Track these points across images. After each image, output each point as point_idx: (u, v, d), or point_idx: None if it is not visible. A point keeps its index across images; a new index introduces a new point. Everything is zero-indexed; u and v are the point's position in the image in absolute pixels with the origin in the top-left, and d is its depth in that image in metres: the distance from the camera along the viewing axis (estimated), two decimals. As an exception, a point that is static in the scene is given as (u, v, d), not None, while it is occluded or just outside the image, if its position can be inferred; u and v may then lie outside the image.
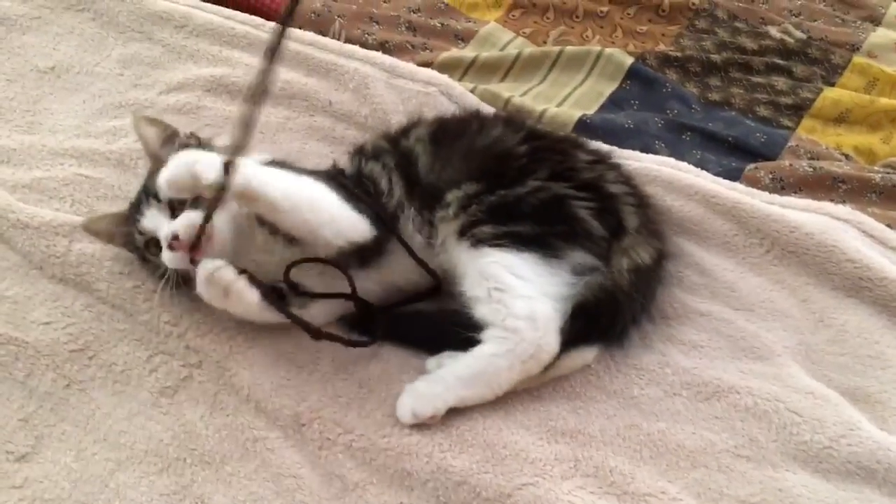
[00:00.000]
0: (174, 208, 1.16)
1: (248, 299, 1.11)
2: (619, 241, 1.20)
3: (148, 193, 1.19)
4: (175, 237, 1.11)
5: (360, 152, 1.34)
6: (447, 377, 1.12)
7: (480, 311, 1.13)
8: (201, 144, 1.26)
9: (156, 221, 1.16)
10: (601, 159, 1.32)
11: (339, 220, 1.14)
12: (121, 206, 1.40)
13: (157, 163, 1.20)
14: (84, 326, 1.23)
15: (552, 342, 1.11)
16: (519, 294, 1.12)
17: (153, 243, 1.18)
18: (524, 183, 1.20)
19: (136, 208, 1.20)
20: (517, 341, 1.09)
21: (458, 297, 1.18)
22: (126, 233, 1.22)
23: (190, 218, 1.12)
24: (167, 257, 1.14)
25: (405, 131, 1.35)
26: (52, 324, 1.23)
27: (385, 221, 1.20)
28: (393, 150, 1.31)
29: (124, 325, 1.24)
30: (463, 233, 1.17)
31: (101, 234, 1.26)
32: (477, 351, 1.11)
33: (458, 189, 1.21)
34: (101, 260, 1.28)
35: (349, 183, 1.23)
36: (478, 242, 1.16)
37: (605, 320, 1.16)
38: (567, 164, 1.26)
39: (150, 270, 1.22)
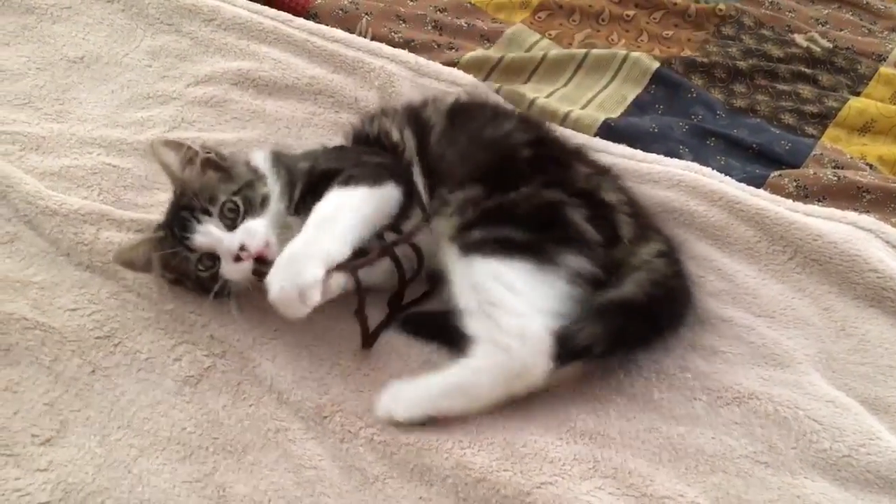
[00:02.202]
0: (227, 219, 1.17)
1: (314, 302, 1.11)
2: (614, 249, 1.18)
3: (192, 210, 1.17)
4: (242, 248, 1.14)
5: (368, 119, 1.37)
6: (431, 386, 1.12)
7: (471, 325, 1.12)
8: (221, 161, 1.24)
9: (211, 236, 1.16)
10: (600, 171, 1.31)
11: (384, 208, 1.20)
12: (147, 196, 1.42)
13: (184, 184, 1.21)
14: (110, 314, 1.24)
15: (541, 363, 1.09)
16: (510, 310, 1.10)
17: (205, 258, 1.17)
18: (518, 189, 1.20)
19: (180, 227, 1.18)
20: (505, 359, 1.08)
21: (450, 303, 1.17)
22: (166, 256, 1.20)
23: (253, 227, 1.16)
24: (231, 269, 1.15)
25: (424, 104, 1.37)
26: (79, 310, 1.24)
27: (406, 174, 1.25)
28: (406, 112, 1.34)
29: (149, 313, 1.25)
30: (454, 236, 1.17)
31: (137, 264, 1.23)
32: (463, 363, 1.11)
33: (461, 192, 1.21)
34: (128, 249, 1.30)
35: (363, 148, 1.29)
36: (468, 248, 1.14)
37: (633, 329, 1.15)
38: (564, 175, 1.24)
39: (197, 288, 1.22)
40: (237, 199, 1.18)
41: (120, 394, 1.16)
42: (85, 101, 1.60)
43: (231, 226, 1.17)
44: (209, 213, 1.17)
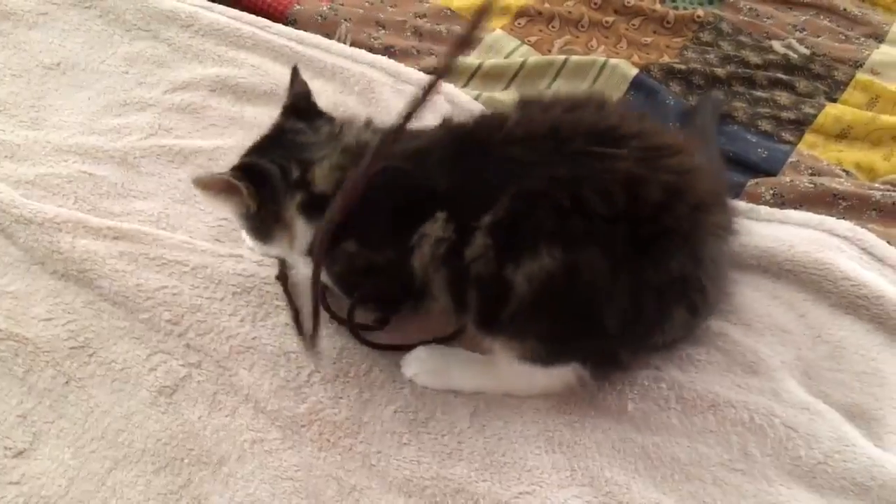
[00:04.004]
0: None
1: None
2: None
3: None
4: None
5: None
6: (464, 371, 1.18)
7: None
8: None
9: None
10: None
11: None
12: (124, 204, 1.42)
13: None
14: (84, 323, 1.23)
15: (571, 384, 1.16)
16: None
17: None
18: None
19: None
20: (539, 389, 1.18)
21: None
22: None
23: None
24: None
25: None
26: (53, 320, 1.23)
27: None
28: None
29: (124, 322, 1.24)
30: None
31: None
32: (498, 374, 1.17)
33: None
34: (105, 257, 1.28)
35: None
36: None
37: None
38: None
39: None
40: None
41: (94, 405, 1.15)
42: (61, 108, 1.59)
43: None
44: None
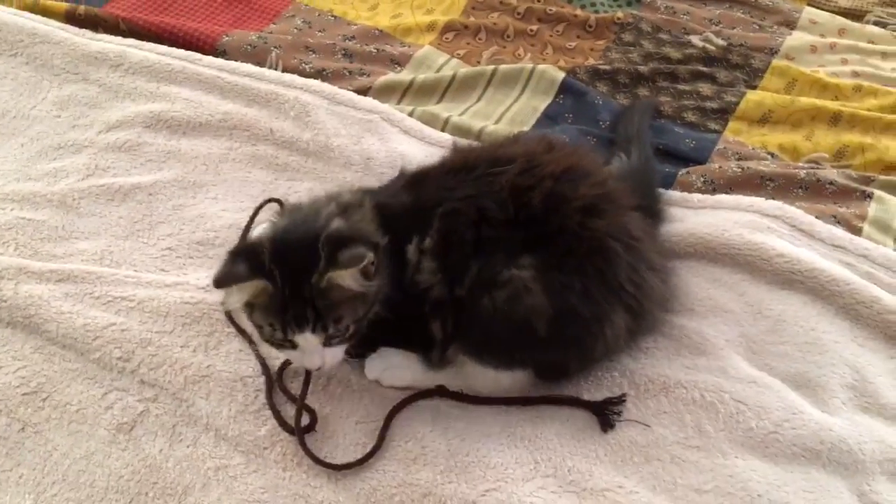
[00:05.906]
0: None
1: None
2: None
3: None
4: None
5: None
6: (426, 372, 1.20)
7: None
8: None
9: None
10: None
11: None
12: (66, 246, 1.40)
13: None
14: (35, 369, 1.22)
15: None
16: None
17: None
18: None
19: None
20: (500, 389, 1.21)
21: None
22: None
23: None
24: None
25: None
26: (3, 368, 1.21)
27: None
28: None
29: (76, 364, 1.23)
30: None
31: None
32: (459, 374, 1.20)
33: None
34: (49, 300, 1.27)
35: None
36: None
37: None
38: None
39: None
40: None
41: (52, 448, 1.14)
42: (-6, 157, 1.57)
43: None
44: None
